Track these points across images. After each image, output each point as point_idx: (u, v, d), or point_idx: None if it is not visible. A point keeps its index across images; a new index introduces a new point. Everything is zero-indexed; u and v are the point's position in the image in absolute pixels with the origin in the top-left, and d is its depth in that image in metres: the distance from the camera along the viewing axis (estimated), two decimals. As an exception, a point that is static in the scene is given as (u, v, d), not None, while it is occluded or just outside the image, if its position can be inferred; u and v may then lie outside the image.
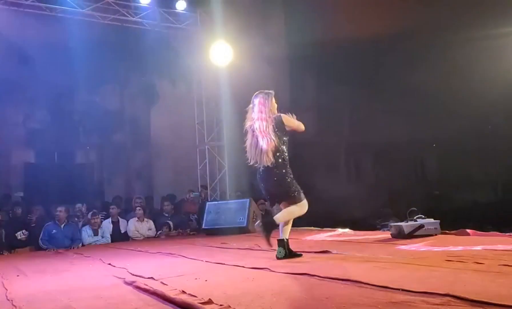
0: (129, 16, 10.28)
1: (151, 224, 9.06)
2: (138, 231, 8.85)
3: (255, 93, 4.67)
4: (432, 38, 11.03)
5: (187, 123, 11.94)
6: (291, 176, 4.53)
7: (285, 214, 4.50)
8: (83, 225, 8.66)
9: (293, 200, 4.49)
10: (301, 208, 4.53)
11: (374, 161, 15.35)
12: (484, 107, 10.59)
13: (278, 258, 4.36)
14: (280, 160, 4.46)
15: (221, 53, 10.38)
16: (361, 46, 11.51)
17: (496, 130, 11.21)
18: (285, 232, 4.52)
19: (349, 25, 10.84)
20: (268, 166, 4.45)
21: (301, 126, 4.67)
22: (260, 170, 4.54)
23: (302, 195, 4.54)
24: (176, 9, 10.77)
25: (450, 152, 12.14)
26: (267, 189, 4.60)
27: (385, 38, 11.27)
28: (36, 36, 10.37)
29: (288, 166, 4.54)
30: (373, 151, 14.78)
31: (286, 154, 4.54)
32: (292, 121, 4.60)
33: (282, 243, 4.43)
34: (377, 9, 10.89)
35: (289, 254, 4.42)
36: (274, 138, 4.43)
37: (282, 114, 4.58)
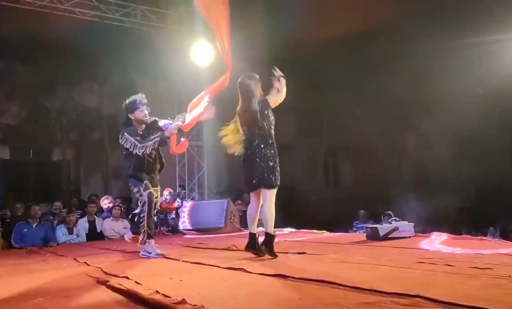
0: (109, 13, 10.16)
1: (126, 223, 8.95)
2: (113, 230, 8.75)
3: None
4: (411, 45, 11.22)
5: (166, 123, 11.83)
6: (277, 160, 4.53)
7: (271, 220, 4.47)
8: (58, 223, 8.51)
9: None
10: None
11: (352, 164, 15.53)
12: (459, 113, 10.82)
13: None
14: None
15: (202, 53, 10.34)
16: (341, 49, 11.64)
17: (471, 136, 11.46)
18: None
19: (330, 28, 10.94)
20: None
21: (282, 95, 4.67)
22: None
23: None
24: (157, 7, 10.70)
25: (426, 157, 12.36)
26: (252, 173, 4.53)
27: (365, 42, 11.42)
28: (13, 30, 10.17)
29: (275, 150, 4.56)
30: (351, 154, 14.95)
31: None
32: (275, 99, 4.64)
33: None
34: (357, 14, 11.02)
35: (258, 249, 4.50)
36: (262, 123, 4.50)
37: (267, 97, 4.66)
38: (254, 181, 4.52)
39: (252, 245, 4.55)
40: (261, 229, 4.74)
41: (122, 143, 5.25)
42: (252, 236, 4.57)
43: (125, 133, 5.22)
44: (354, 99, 12.73)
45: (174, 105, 11.70)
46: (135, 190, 5.22)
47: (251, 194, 4.68)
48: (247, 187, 4.77)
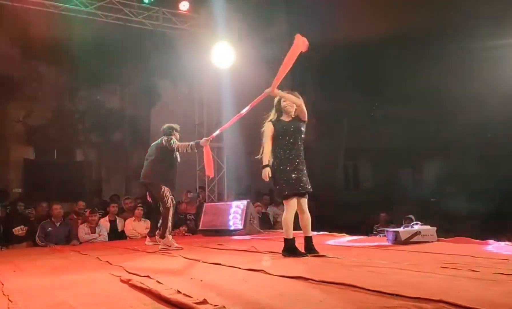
0: (132, 15, 10.31)
1: (148, 223, 9.05)
2: (135, 230, 8.85)
3: None
4: (433, 46, 11.07)
5: (187, 124, 11.90)
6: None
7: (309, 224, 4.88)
8: (82, 223, 8.66)
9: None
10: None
11: (372, 166, 15.37)
12: (484, 115, 10.62)
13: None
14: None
15: (223, 54, 10.38)
16: (362, 51, 11.55)
17: (496, 139, 11.23)
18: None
19: (351, 29, 10.87)
20: None
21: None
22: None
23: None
24: (179, 10, 10.82)
25: (448, 160, 12.15)
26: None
27: (386, 44, 11.31)
28: (39, 33, 10.40)
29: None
30: (371, 157, 14.79)
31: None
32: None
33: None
34: (379, 16, 10.93)
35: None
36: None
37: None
38: (308, 186, 4.86)
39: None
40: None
41: (170, 142, 6.36)
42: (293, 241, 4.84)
43: (173, 137, 6.52)
44: (375, 101, 12.62)
45: (195, 106, 11.80)
46: (166, 193, 6.38)
47: (294, 200, 4.77)
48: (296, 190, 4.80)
